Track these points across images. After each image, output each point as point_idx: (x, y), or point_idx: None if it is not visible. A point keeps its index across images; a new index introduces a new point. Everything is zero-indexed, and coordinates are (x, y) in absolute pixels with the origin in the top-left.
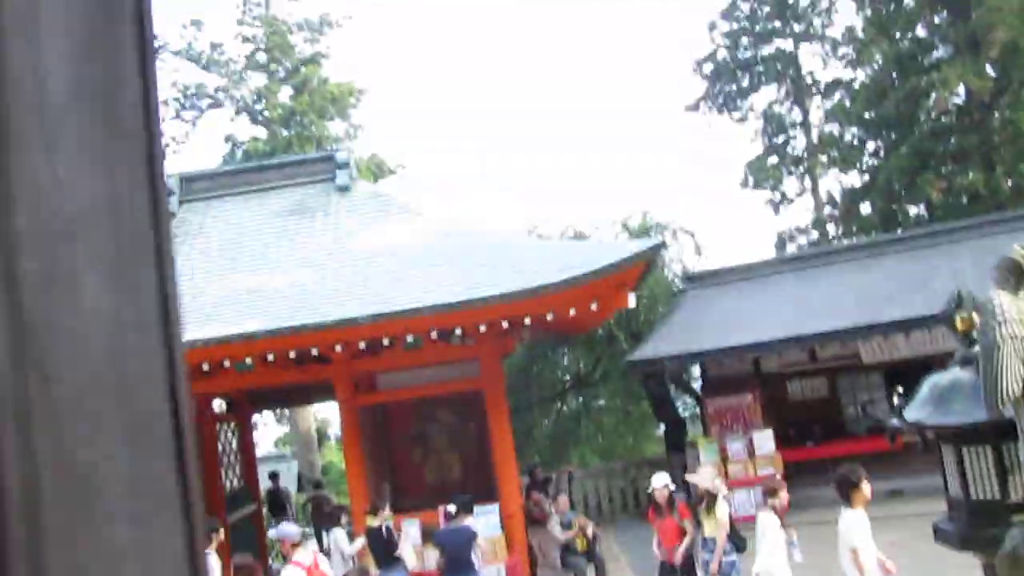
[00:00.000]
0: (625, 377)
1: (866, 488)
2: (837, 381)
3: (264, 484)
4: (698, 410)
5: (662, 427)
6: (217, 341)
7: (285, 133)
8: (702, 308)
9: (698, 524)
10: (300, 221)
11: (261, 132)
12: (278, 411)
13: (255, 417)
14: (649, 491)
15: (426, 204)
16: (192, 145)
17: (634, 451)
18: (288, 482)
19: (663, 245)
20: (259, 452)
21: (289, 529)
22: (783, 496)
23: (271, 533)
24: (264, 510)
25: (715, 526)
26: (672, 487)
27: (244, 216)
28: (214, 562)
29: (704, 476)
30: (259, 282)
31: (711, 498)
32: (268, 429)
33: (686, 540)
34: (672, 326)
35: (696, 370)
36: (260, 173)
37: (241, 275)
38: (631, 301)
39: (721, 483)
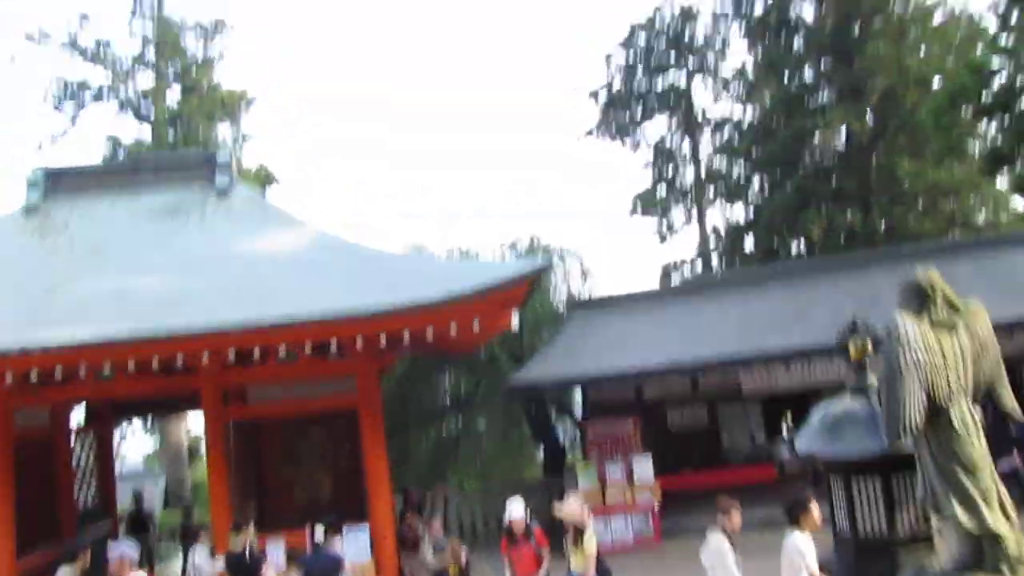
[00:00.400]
0: (506, 400)
1: (816, 511)
2: (717, 411)
3: (127, 502)
4: (578, 435)
5: (542, 450)
6: (73, 345)
7: (171, 134)
8: (586, 333)
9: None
10: (174, 223)
11: (146, 133)
12: (146, 422)
13: (121, 428)
14: (506, 520)
15: (309, 214)
16: (71, 142)
17: (513, 474)
18: (155, 500)
19: (549, 266)
20: (125, 467)
21: (127, 550)
22: (735, 517)
23: (110, 552)
24: (123, 530)
25: (583, 560)
26: (525, 516)
27: (114, 215)
28: None
29: (571, 508)
30: (125, 285)
31: (578, 531)
32: (136, 441)
33: (543, 567)
34: (555, 350)
35: (578, 395)
36: (135, 173)
37: (106, 276)
38: (514, 322)
39: (588, 515)
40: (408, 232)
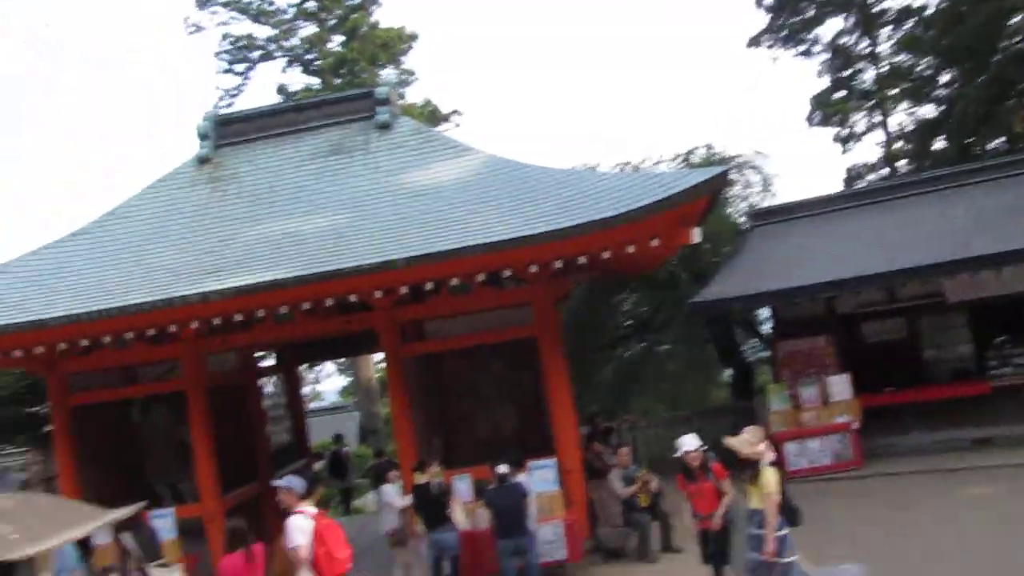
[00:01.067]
0: (689, 321)
1: None
2: (918, 322)
3: (326, 440)
4: (767, 354)
5: (730, 373)
6: (247, 290)
7: (337, 82)
8: (770, 246)
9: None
10: (338, 161)
11: (314, 82)
12: (339, 361)
13: (317, 368)
14: (678, 455)
15: (475, 141)
16: (246, 99)
17: (700, 399)
18: (349, 433)
19: (730, 174)
20: (322, 403)
21: (295, 481)
22: None
23: (277, 484)
24: (324, 470)
25: (760, 497)
26: (703, 448)
27: (280, 158)
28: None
29: (743, 440)
30: (295, 226)
31: (754, 466)
32: (331, 380)
33: (724, 501)
34: (738, 266)
35: (765, 312)
36: (297, 113)
37: (276, 220)
38: (696, 237)
39: (766, 447)
40: (579, 153)
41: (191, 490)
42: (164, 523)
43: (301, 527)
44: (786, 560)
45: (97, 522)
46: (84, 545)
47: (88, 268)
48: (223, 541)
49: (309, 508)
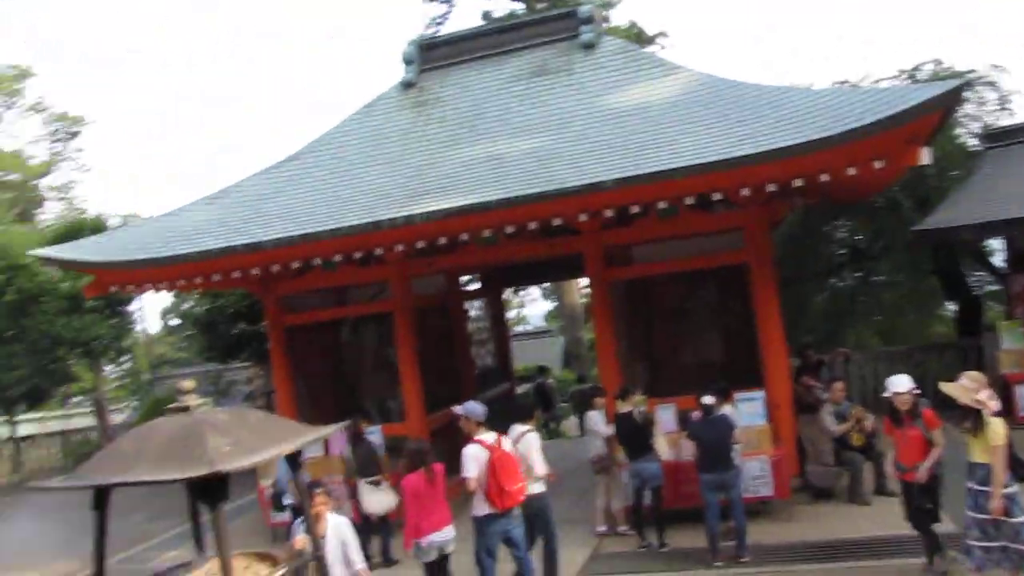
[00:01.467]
0: (910, 250)
1: None
2: None
3: (528, 364)
4: (999, 288)
5: (953, 306)
6: (452, 212)
7: (540, 7)
8: (1007, 170)
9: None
10: (541, 83)
11: (518, 7)
12: (544, 286)
13: (522, 292)
14: (887, 395)
15: (683, 59)
16: (452, 27)
17: (919, 333)
18: (553, 357)
19: (964, 88)
20: (527, 327)
21: (475, 408)
22: None
23: (457, 410)
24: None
25: (983, 450)
26: (917, 391)
27: (483, 81)
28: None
29: (961, 387)
30: (498, 149)
31: (975, 415)
32: (536, 305)
33: (932, 453)
34: (969, 191)
35: (997, 243)
36: (500, 35)
37: (479, 143)
38: (925, 157)
39: (990, 396)
40: (790, 69)
41: (398, 408)
42: (374, 439)
43: (475, 456)
44: (1017, 519)
45: (306, 438)
46: (293, 459)
47: (299, 192)
48: (403, 461)
49: (487, 436)
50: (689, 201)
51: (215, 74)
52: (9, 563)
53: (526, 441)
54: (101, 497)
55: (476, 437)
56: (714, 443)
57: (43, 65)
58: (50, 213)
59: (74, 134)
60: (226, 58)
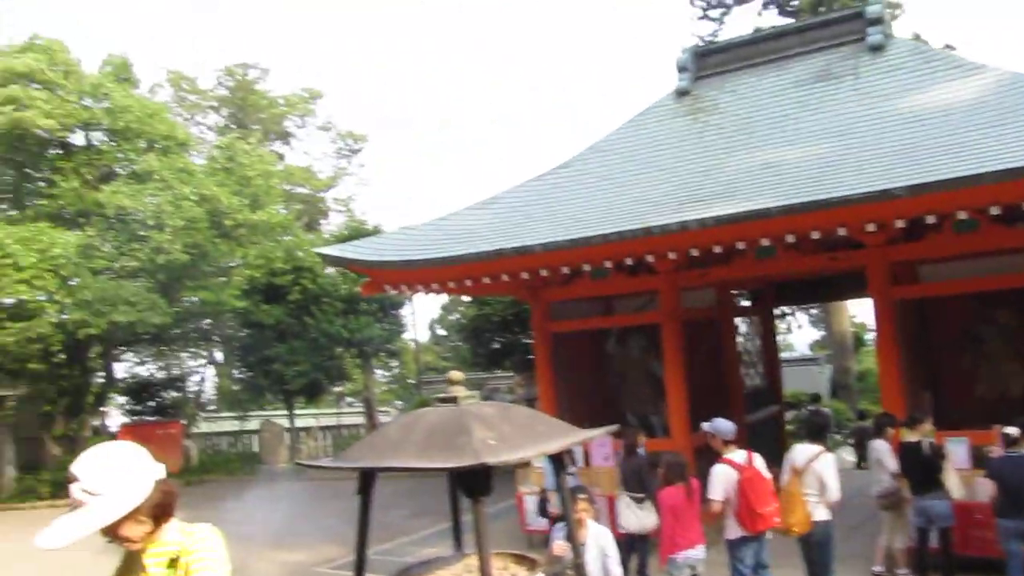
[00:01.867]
0: None
1: None
2: None
3: (795, 389)
4: None
5: None
6: (728, 219)
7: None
8: None
9: None
10: (824, 88)
11: (789, 23)
12: (812, 312)
13: (788, 318)
14: None
15: (986, 58)
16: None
17: None
18: (820, 386)
19: None
20: (792, 354)
21: (723, 425)
22: None
23: (704, 427)
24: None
25: None
26: None
27: (761, 87)
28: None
29: None
30: (776, 156)
31: None
32: (802, 332)
33: None
34: None
35: None
36: (778, 40)
37: (757, 149)
38: None
39: None
40: None
41: (661, 423)
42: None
43: (723, 476)
44: None
45: (572, 438)
46: (559, 461)
47: (570, 199)
48: (662, 474)
49: (736, 456)
50: (995, 212)
51: (491, 94)
52: (280, 543)
53: (823, 461)
54: (366, 481)
55: (724, 456)
56: (1019, 484)
57: (330, 85)
58: (333, 224)
59: (356, 150)
60: (505, 80)
